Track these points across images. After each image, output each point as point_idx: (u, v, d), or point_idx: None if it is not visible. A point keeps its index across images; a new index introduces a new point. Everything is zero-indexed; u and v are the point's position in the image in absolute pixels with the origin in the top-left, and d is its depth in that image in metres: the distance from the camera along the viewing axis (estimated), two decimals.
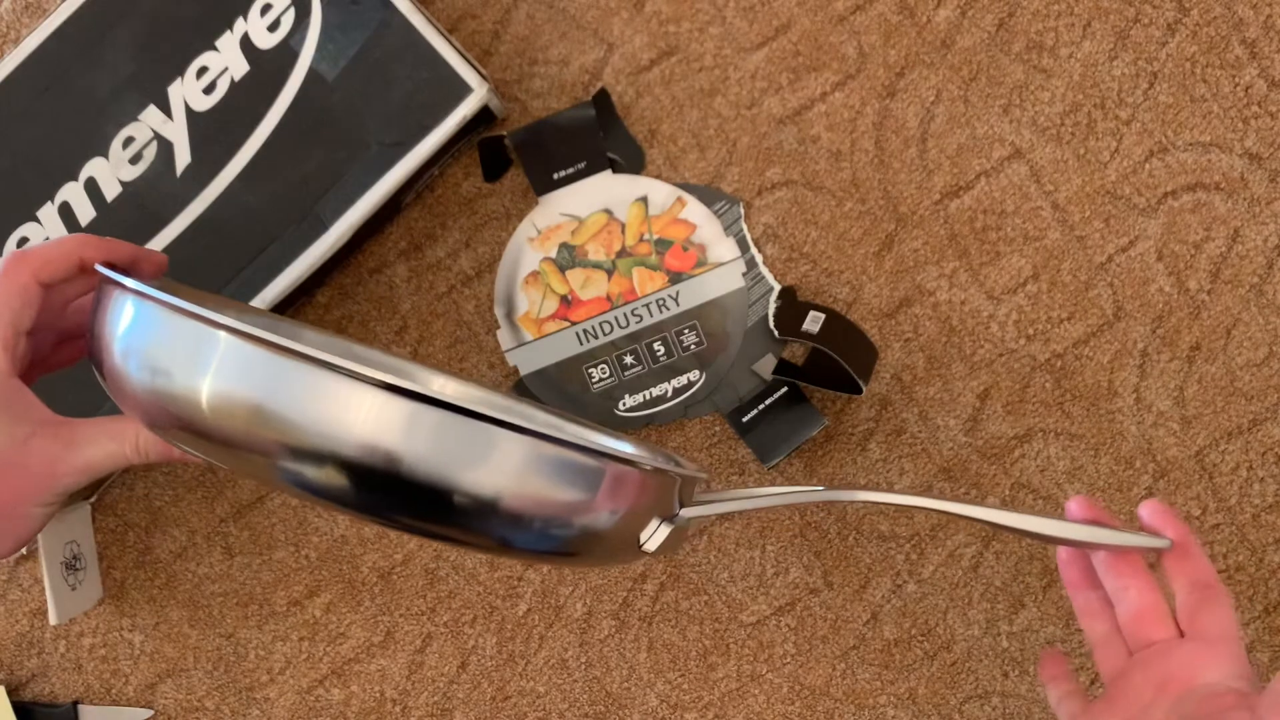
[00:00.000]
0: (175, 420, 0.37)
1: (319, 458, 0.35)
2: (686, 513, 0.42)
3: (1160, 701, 0.40)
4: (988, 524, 0.43)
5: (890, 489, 0.42)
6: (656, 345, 0.59)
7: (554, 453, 0.36)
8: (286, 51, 0.56)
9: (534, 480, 0.36)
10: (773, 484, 0.59)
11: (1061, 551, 0.47)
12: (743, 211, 0.59)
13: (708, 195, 0.59)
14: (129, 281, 0.38)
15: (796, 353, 0.59)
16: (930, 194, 0.59)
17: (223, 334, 0.35)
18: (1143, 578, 0.43)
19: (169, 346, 0.36)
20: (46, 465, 0.41)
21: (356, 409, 0.34)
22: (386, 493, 0.35)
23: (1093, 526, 0.43)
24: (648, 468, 0.39)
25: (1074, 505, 0.44)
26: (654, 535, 0.40)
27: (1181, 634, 0.42)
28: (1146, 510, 0.43)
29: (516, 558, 0.48)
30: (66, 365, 0.48)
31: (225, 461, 0.38)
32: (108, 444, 0.42)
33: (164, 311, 0.36)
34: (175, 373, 0.36)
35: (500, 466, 0.35)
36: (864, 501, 0.43)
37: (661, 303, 0.59)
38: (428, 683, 0.60)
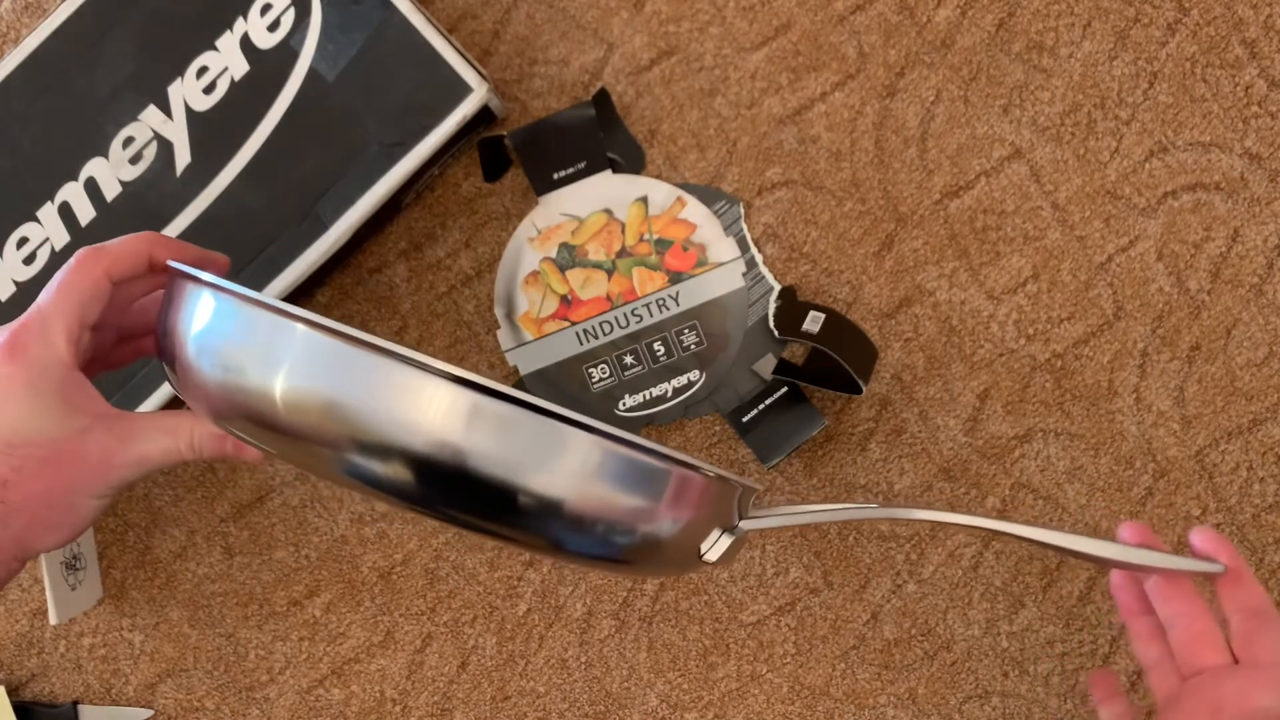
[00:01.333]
0: (246, 413, 0.37)
1: (387, 452, 0.35)
2: (745, 524, 0.42)
3: None
4: (1041, 545, 0.43)
5: (945, 508, 0.42)
6: (656, 345, 0.59)
7: (622, 454, 0.36)
8: (286, 51, 0.56)
9: (600, 482, 0.36)
10: (775, 485, 0.59)
11: (1115, 576, 0.47)
12: (743, 211, 0.59)
13: (708, 195, 0.59)
14: (207, 276, 0.38)
15: (796, 353, 0.59)
16: (930, 194, 0.59)
17: (300, 326, 0.35)
18: (1194, 603, 0.43)
19: (246, 339, 0.37)
20: (103, 457, 0.42)
21: (429, 403, 0.34)
22: (452, 489, 0.35)
23: (1146, 550, 0.43)
24: (711, 475, 0.39)
25: (1126, 530, 0.44)
26: (715, 545, 0.40)
27: (1235, 660, 0.42)
28: (1199, 537, 0.43)
29: (576, 562, 0.48)
30: (125, 364, 0.48)
31: (290, 454, 0.38)
32: (163, 439, 0.43)
33: (241, 305, 0.37)
34: (249, 366, 0.36)
35: (567, 466, 0.36)
36: (921, 520, 0.42)
37: (661, 303, 0.59)
38: (428, 683, 0.60)
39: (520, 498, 0.35)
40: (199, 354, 0.38)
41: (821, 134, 0.59)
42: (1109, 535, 0.58)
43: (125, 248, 0.43)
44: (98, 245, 0.43)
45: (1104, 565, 0.46)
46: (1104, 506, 0.58)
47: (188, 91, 0.56)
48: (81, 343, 0.42)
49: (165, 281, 0.43)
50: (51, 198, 0.56)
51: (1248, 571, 0.43)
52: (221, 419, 0.39)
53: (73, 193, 0.56)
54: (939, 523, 0.43)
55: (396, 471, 0.35)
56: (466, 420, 0.35)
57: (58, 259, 0.56)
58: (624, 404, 0.59)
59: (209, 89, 0.56)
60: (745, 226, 0.59)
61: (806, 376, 0.57)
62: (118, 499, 0.44)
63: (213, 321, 0.38)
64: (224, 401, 0.38)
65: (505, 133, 0.59)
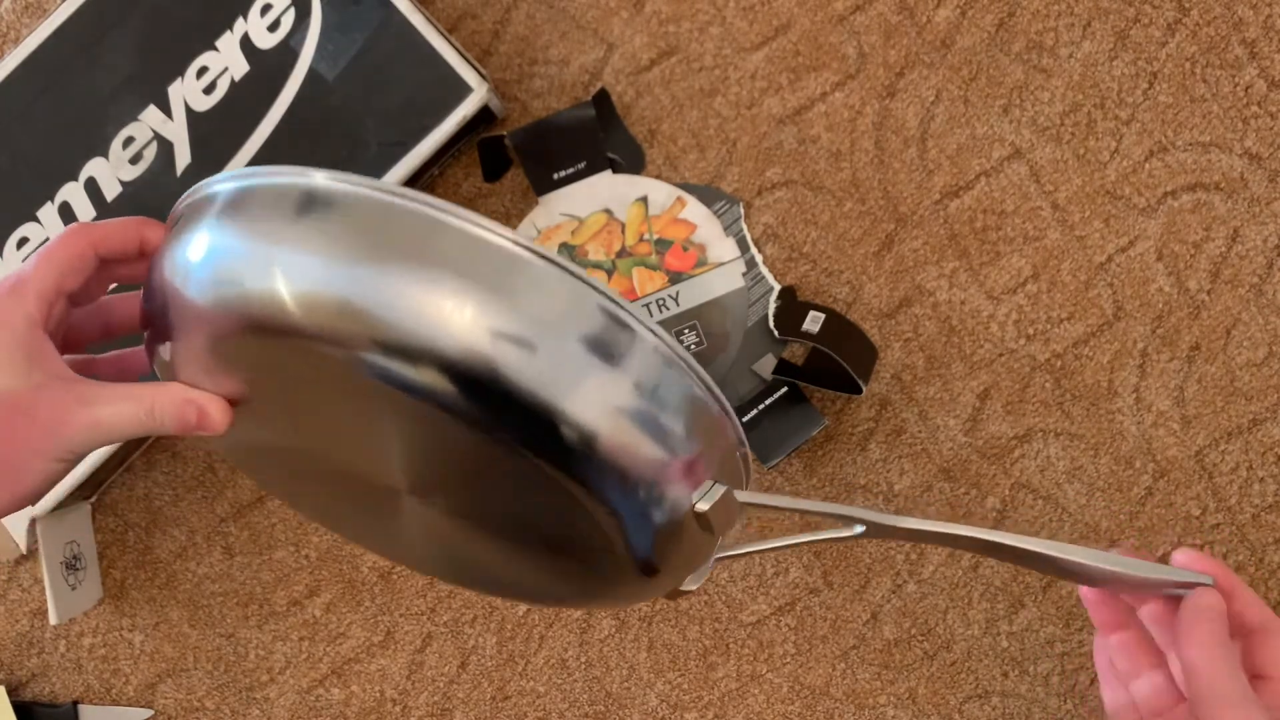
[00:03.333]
0: (249, 320, 0.36)
1: (416, 352, 0.34)
2: (739, 495, 0.40)
3: None
4: (1030, 554, 0.42)
5: (934, 518, 0.41)
6: None
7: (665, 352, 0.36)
8: (286, 51, 0.56)
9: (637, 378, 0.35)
10: (775, 485, 0.59)
11: (1087, 593, 0.46)
12: (743, 211, 0.59)
13: (708, 195, 0.59)
14: (237, 170, 0.37)
15: (796, 353, 0.59)
16: (930, 194, 0.59)
17: (318, 175, 0.35)
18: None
19: (262, 214, 0.36)
20: (55, 415, 0.41)
21: (483, 264, 0.33)
22: (484, 386, 0.34)
23: (1136, 559, 0.42)
24: (728, 409, 0.38)
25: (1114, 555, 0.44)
26: (707, 494, 0.38)
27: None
28: (1183, 556, 0.42)
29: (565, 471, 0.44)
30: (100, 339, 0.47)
31: (297, 359, 0.36)
32: (122, 404, 0.42)
33: (257, 177, 0.36)
34: (251, 266, 0.35)
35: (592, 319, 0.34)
36: (906, 529, 0.41)
37: (661, 303, 0.59)
38: (428, 683, 0.60)
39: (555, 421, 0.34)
40: (198, 273, 0.37)
41: (821, 134, 0.59)
42: (1099, 540, 0.58)
43: (115, 226, 0.42)
44: (88, 222, 0.43)
45: (1096, 578, 0.44)
46: (1104, 507, 0.58)
47: (188, 91, 0.56)
48: (55, 308, 0.41)
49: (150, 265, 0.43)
50: (51, 198, 0.56)
51: (1240, 585, 0.42)
52: (222, 338, 0.37)
53: (73, 193, 0.56)
54: (923, 533, 0.42)
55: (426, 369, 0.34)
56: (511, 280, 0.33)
57: None
58: None
59: (209, 89, 0.56)
60: (745, 226, 0.59)
61: (806, 376, 0.57)
62: (71, 467, 0.43)
63: (228, 214, 0.37)
64: (224, 315, 0.36)
65: (505, 133, 0.59)
